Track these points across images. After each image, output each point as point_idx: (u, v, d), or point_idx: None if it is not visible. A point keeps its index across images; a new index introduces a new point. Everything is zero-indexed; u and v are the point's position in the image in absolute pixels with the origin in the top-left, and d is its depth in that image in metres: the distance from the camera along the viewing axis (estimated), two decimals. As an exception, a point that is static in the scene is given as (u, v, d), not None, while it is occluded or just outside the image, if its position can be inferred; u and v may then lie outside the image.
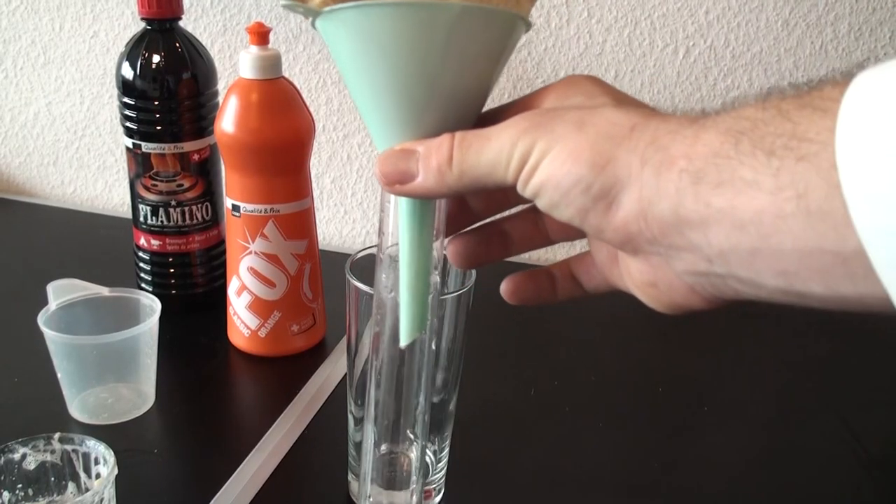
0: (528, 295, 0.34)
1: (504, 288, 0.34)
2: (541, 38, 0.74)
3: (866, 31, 0.69)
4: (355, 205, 0.84)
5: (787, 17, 0.70)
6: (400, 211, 0.30)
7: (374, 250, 0.39)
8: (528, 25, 0.29)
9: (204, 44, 0.63)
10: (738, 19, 0.70)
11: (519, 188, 0.26)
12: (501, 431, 0.54)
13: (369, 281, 0.41)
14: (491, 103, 0.31)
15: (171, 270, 0.66)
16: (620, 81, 0.74)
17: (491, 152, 0.26)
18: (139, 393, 0.55)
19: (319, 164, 0.82)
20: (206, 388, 0.58)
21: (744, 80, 0.72)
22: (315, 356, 0.61)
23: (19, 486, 0.43)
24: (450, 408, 0.45)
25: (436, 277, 0.31)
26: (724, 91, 0.72)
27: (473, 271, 0.43)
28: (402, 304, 0.31)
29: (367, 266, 0.43)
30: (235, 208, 0.57)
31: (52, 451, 0.43)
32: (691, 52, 0.72)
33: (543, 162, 0.25)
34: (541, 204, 0.26)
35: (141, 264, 0.66)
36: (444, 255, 0.35)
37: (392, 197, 0.31)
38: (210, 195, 0.64)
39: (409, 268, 0.30)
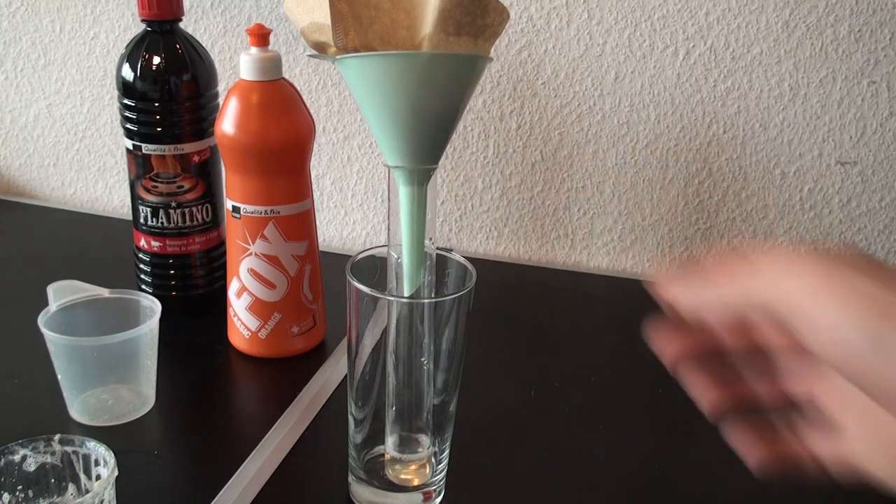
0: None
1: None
2: (541, 39, 0.74)
3: (866, 32, 0.68)
4: (356, 206, 0.83)
5: (787, 19, 0.69)
6: (402, 205, 0.41)
7: (375, 251, 0.44)
8: (490, 59, 0.39)
9: (204, 45, 0.63)
10: (737, 21, 0.70)
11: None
12: (501, 433, 0.54)
13: (370, 282, 0.42)
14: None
15: (172, 272, 0.65)
16: (621, 83, 0.74)
17: None
18: (139, 394, 0.54)
19: (320, 166, 0.82)
20: (207, 390, 0.58)
21: (744, 81, 0.72)
22: (315, 358, 0.61)
23: (19, 487, 0.43)
24: (450, 409, 0.45)
25: (429, 246, 0.42)
26: (725, 93, 0.72)
27: (473, 272, 0.43)
28: (405, 266, 0.41)
29: (367, 267, 0.44)
30: (236, 210, 0.57)
31: (53, 453, 0.43)
32: (691, 53, 0.72)
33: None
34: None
35: (141, 266, 0.66)
36: (436, 254, 0.43)
37: (395, 197, 0.41)
38: (210, 197, 0.64)
39: (409, 242, 0.41)
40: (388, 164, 0.41)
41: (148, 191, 0.62)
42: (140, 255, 0.66)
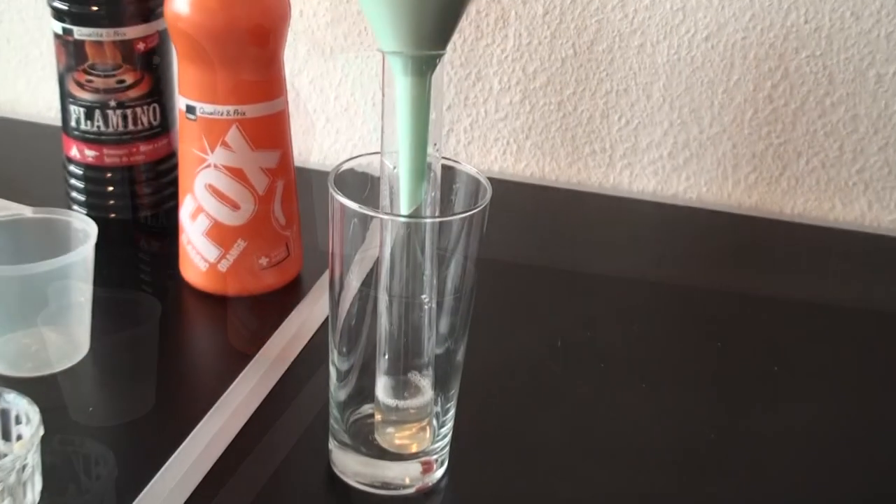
0: None
1: None
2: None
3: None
4: (339, 111, 0.82)
5: None
6: (399, 101, 0.39)
7: (363, 160, 0.44)
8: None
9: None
10: None
11: None
12: (519, 391, 0.54)
13: (358, 198, 0.41)
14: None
15: (110, 189, 0.65)
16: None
17: None
18: (70, 339, 0.54)
19: (295, 60, 0.81)
20: (153, 335, 0.57)
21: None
22: (289, 295, 0.60)
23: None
24: (456, 359, 0.45)
25: (433, 151, 0.41)
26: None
27: (488, 187, 0.42)
28: (401, 175, 0.40)
29: (354, 181, 0.43)
30: (190, 110, 0.56)
31: (-35, 409, 0.43)
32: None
33: None
34: None
35: (72, 180, 0.65)
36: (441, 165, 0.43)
37: (392, 79, 0.39)
38: (158, 95, 0.63)
39: (409, 147, 0.40)
40: (382, 50, 0.39)
41: (81, 86, 0.61)
42: (71, 168, 0.65)
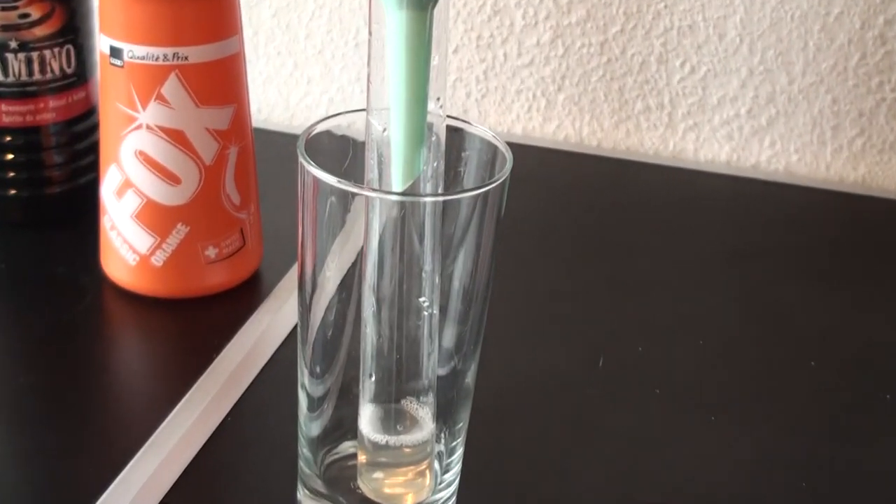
0: None
1: None
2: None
3: None
4: (312, 54, 0.83)
5: None
6: (390, 27, 0.39)
7: (343, 121, 0.44)
8: None
9: None
10: None
11: None
12: (547, 425, 0.54)
13: (336, 169, 0.41)
14: None
15: (10, 157, 0.65)
16: None
17: None
18: None
19: None
20: (68, 349, 0.58)
21: None
22: (245, 297, 0.61)
23: None
24: (465, 383, 0.45)
25: (436, 108, 0.41)
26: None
27: (508, 155, 0.42)
28: (393, 140, 0.40)
29: (331, 148, 0.43)
30: (115, 53, 0.56)
31: None
32: None
33: None
34: None
35: None
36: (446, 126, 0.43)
37: (381, 13, 0.39)
38: (73, 33, 0.64)
39: (403, 103, 0.40)
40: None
41: (-29, 22, 0.62)
42: (-41, 130, 0.66)
